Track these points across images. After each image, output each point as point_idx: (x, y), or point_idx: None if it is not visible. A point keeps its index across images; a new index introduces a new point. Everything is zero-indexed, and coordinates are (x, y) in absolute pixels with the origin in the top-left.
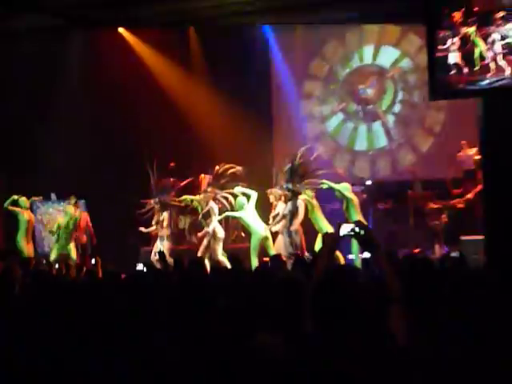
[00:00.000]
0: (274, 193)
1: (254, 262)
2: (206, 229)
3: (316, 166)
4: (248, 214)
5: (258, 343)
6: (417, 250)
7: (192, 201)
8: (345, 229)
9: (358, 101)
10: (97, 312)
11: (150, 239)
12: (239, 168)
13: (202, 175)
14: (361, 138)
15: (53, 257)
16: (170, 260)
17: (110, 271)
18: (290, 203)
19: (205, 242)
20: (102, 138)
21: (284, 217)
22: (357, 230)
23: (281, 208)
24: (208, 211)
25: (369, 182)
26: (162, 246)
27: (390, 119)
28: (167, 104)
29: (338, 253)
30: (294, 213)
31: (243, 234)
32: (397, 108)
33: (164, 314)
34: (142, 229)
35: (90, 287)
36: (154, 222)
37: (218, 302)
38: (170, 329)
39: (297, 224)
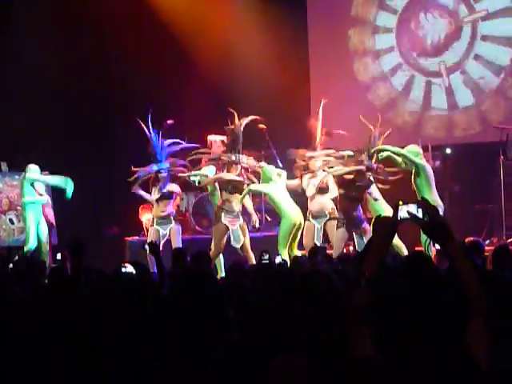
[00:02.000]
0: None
1: (284, 256)
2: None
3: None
4: (278, 189)
5: (276, 367)
6: (511, 240)
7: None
8: (405, 211)
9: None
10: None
11: (137, 226)
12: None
13: (211, 137)
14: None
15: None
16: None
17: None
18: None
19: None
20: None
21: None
22: (419, 212)
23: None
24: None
25: (448, 151)
26: (165, 231)
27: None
28: (166, 33)
29: (398, 242)
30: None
31: (268, 218)
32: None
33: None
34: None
35: (56, 295)
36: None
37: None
38: (164, 351)
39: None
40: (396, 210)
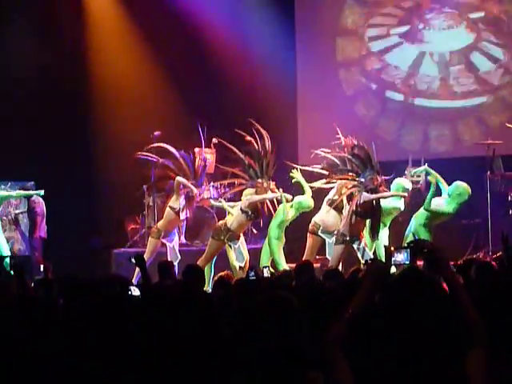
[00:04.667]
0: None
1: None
2: None
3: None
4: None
5: None
6: (499, 254)
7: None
8: (401, 255)
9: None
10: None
11: (122, 237)
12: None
13: (197, 150)
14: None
15: None
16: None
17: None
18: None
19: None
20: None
21: None
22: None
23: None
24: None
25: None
26: (171, 244)
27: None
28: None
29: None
30: None
31: (254, 231)
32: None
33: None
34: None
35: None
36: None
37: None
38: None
39: None
40: (389, 256)
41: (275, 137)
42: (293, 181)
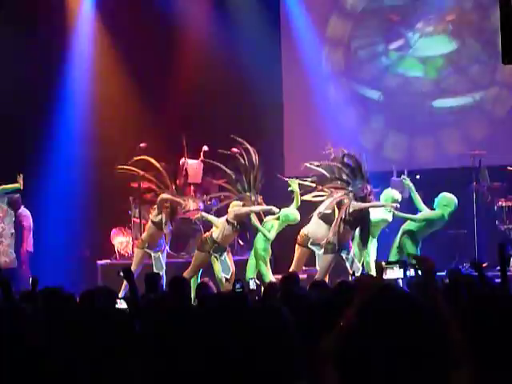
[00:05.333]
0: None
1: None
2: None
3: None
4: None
5: None
6: (484, 265)
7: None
8: (392, 271)
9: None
10: None
11: (108, 249)
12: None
13: (184, 160)
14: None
15: None
16: None
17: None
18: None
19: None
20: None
21: None
22: (410, 272)
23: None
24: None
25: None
26: (156, 254)
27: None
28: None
29: None
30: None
31: (241, 243)
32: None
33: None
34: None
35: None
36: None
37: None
38: None
39: None
40: (380, 272)
41: (261, 149)
42: (289, 189)
